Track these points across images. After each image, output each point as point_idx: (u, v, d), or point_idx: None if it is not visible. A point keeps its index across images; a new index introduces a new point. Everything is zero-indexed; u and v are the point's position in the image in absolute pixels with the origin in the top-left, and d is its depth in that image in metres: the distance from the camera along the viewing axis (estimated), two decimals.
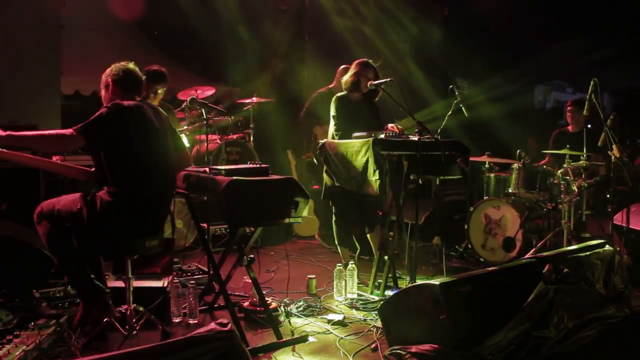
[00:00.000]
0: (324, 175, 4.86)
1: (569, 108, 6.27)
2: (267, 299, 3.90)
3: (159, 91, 5.27)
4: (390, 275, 4.61)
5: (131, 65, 3.55)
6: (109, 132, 3.26)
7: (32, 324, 3.36)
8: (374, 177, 4.11)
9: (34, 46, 5.79)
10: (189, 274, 4.74)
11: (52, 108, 5.93)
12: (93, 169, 3.53)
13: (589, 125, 5.97)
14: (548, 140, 6.49)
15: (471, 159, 4.89)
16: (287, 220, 3.52)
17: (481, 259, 5.78)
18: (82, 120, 3.37)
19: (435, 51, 9.91)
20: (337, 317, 4.01)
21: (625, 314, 3.83)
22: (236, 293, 4.53)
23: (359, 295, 4.53)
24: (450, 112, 5.20)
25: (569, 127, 6.32)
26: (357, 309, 4.28)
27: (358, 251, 5.41)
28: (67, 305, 3.90)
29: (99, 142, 3.28)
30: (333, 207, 5.01)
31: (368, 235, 4.96)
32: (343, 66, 6.07)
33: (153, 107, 3.63)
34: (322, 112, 5.96)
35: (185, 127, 5.94)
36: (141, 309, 3.53)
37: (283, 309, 4.12)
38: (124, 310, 3.43)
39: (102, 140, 3.28)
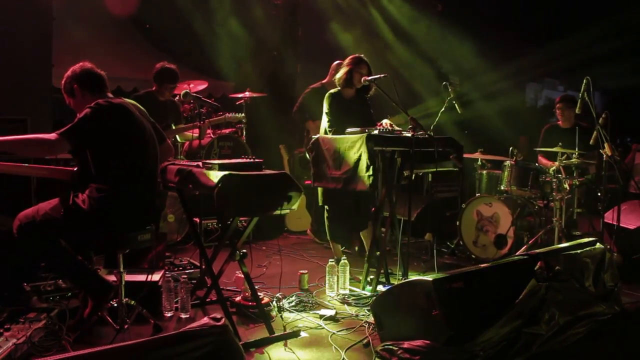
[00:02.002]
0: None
1: (558, 105, 6.26)
2: (259, 293, 3.90)
3: (171, 89, 5.62)
4: (382, 271, 4.62)
5: (88, 64, 3.50)
6: (95, 132, 3.22)
7: (23, 317, 3.33)
8: (366, 173, 4.11)
9: (25, 38, 5.73)
10: (181, 268, 4.72)
11: (44, 101, 5.87)
12: (75, 167, 3.50)
13: (582, 123, 5.99)
14: (539, 139, 6.49)
15: (464, 155, 4.89)
16: (278, 212, 3.52)
17: (472, 256, 5.81)
18: (72, 113, 3.35)
19: (429, 47, 9.91)
20: (329, 313, 4.01)
21: (615, 312, 3.87)
22: (228, 288, 4.53)
23: (351, 291, 4.53)
24: (443, 109, 5.20)
25: (560, 123, 6.34)
26: (349, 304, 4.28)
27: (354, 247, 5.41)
28: (58, 299, 3.88)
29: (85, 143, 3.25)
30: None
31: (361, 233, 4.96)
32: (337, 62, 6.05)
33: (132, 101, 3.61)
34: (314, 108, 5.96)
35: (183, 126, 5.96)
36: (133, 303, 3.52)
37: (275, 304, 4.11)
38: (115, 305, 3.42)
39: (89, 141, 3.25)
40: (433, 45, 9.96)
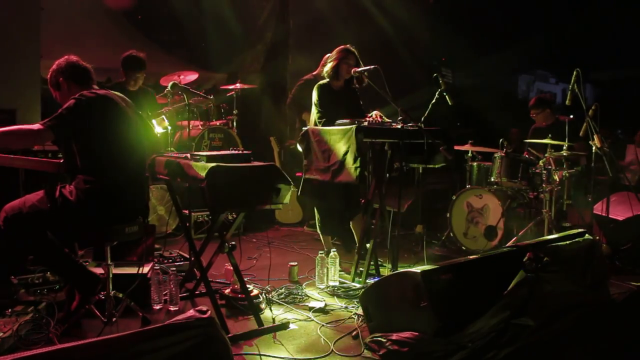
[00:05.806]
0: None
1: (531, 112, 6.32)
2: (248, 286, 3.89)
3: (138, 77, 5.39)
4: (372, 263, 4.62)
5: (73, 57, 3.50)
6: (79, 123, 3.20)
7: (10, 310, 3.32)
8: (353, 165, 4.09)
9: (13, 28, 5.66)
10: (170, 260, 4.71)
11: (32, 92, 5.82)
12: (62, 159, 3.48)
13: (571, 116, 5.99)
14: (528, 135, 6.50)
15: (454, 147, 4.89)
16: (268, 206, 3.50)
17: (463, 247, 5.82)
18: (61, 105, 3.32)
19: (420, 39, 9.88)
20: (319, 305, 4.01)
21: (602, 302, 3.88)
22: (217, 280, 4.52)
23: (340, 282, 4.53)
24: (434, 101, 5.18)
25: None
26: (338, 296, 4.28)
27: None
28: (46, 292, 3.86)
29: (69, 134, 3.23)
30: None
31: (350, 224, 4.96)
32: (329, 54, 6.03)
33: (119, 94, 3.58)
34: (308, 99, 5.94)
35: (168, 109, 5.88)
36: (121, 295, 3.50)
37: (264, 296, 4.10)
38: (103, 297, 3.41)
39: (72, 132, 3.22)
40: (424, 37, 9.93)
